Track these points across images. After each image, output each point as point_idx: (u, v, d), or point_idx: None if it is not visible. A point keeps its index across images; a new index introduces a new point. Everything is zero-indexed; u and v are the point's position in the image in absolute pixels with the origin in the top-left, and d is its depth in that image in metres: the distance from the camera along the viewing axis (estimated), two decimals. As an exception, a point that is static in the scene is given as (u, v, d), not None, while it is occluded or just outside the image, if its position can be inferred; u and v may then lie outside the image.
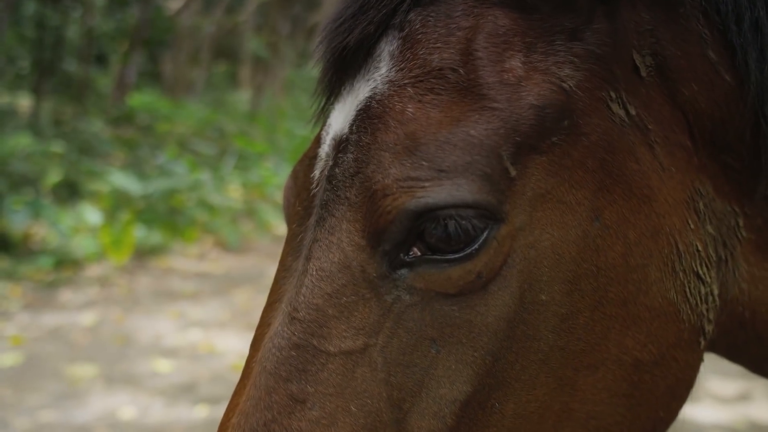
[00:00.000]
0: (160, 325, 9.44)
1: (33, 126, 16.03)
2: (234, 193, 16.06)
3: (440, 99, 1.26)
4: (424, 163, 1.21)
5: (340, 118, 1.36)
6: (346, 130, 1.32)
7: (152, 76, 27.44)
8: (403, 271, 1.23)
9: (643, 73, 1.33)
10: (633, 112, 1.31)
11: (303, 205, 1.39)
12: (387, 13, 1.35)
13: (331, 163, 1.32)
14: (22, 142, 13.36)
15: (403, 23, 1.34)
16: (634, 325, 1.31)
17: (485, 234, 1.22)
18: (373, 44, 1.36)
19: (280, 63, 29.11)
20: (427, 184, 1.21)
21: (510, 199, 1.23)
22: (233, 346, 8.60)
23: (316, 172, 1.37)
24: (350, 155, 1.28)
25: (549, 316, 1.25)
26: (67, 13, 20.32)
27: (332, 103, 1.42)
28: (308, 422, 1.21)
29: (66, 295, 10.42)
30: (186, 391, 7.52)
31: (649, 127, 1.32)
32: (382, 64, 1.33)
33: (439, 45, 1.30)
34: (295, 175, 1.50)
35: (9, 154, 12.82)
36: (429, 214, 1.21)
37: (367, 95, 1.32)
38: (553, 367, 1.26)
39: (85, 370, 7.84)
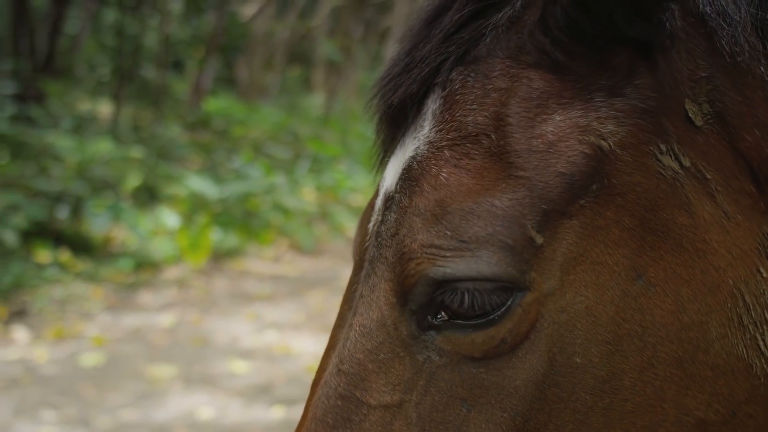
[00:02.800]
0: (237, 327, 9.56)
1: (113, 132, 16.39)
2: (308, 196, 16.18)
3: (474, 164, 1.26)
4: (448, 232, 1.23)
5: (391, 174, 1.37)
6: (393, 187, 1.34)
7: (227, 82, 27.81)
8: (432, 333, 1.26)
9: (699, 122, 1.27)
10: (687, 163, 1.26)
11: (360, 256, 1.43)
12: (431, 71, 1.35)
13: (379, 219, 1.35)
14: (102, 147, 13.66)
15: (445, 82, 1.34)
16: (695, 385, 1.25)
17: (508, 302, 1.22)
18: (419, 102, 1.36)
19: (353, 66, 29.24)
20: (448, 253, 1.22)
21: (537, 266, 1.22)
22: (308, 348, 8.66)
23: (370, 225, 1.39)
24: (393, 215, 1.31)
25: (586, 378, 1.22)
26: (145, 22, 20.74)
27: (388, 157, 1.45)
28: None
29: (145, 296, 10.62)
30: (262, 392, 7.59)
31: (708, 176, 1.27)
32: (426, 123, 1.34)
33: (475, 107, 1.30)
34: (360, 222, 1.52)
35: (90, 159, 13.12)
36: (448, 284, 1.22)
37: (410, 154, 1.33)
38: (596, 427, 1.23)
39: (164, 371, 7.98)
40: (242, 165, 15.84)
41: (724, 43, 1.28)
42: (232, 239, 13.07)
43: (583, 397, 1.22)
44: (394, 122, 1.41)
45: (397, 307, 1.27)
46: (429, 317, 1.25)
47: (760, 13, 1.29)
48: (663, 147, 1.26)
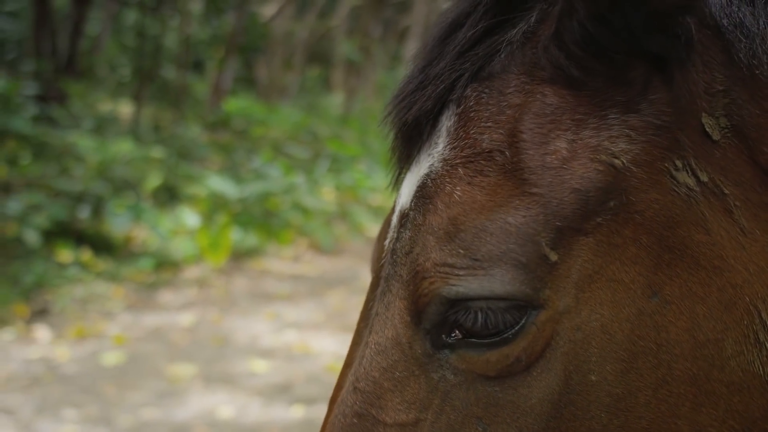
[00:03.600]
0: (257, 326, 9.59)
1: (134, 132, 16.48)
2: (327, 195, 16.20)
3: (488, 181, 1.25)
4: (461, 250, 1.22)
5: (407, 191, 1.36)
6: (408, 205, 1.33)
7: (247, 82, 27.91)
8: (446, 352, 1.25)
9: (716, 137, 1.25)
10: (705, 178, 1.24)
11: (376, 273, 1.43)
12: (445, 88, 1.34)
13: (395, 236, 1.34)
14: (123, 147, 13.74)
15: (460, 99, 1.33)
16: (709, 402, 1.23)
17: (522, 320, 1.21)
18: (434, 119, 1.35)
19: (372, 66, 29.26)
20: (461, 272, 1.21)
21: (551, 284, 1.21)
22: (328, 347, 8.68)
23: (386, 242, 1.39)
24: (408, 233, 1.30)
25: (602, 396, 1.21)
26: (166, 22, 20.84)
27: (404, 174, 1.43)
28: None
29: (166, 296, 10.68)
30: (282, 391, 7.61)
31: (726, 191, 1.24)
32: (440, 140, 1.33)
33: (489, 124, 1.28)
34: (378, 238, 1.52)
35: (111, 159, 13.21)
36: (461, 303, 1.21)
37: (425, 172, 1.32)
38: None
39: (184, 370, 8.02)
40: (262, 165, 15.88)
41: (741, 55, 1.26)
42: (251, 239, 13.11)
43: (598, 416, 1.21)
44: (410, 139, 1.40)
45: (411, 325, 1.27)
46: (443, 336, 1.24)
47: None
48: (679, 163, 1.24)
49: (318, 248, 13.74)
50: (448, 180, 1.27)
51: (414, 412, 1.25)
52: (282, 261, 12.95)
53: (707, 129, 1.25)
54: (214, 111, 21.25)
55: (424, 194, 1.30)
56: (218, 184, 13.91)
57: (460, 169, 1.27)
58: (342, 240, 14.47)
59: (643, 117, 1.24)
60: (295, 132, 21.09)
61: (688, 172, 1.24)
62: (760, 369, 1.24)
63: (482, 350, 1.22)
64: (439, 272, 1.22)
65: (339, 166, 18.09)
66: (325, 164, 17.80)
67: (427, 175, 1.31)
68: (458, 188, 1.26)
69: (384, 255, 1.37)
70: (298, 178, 15.54)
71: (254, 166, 15.97)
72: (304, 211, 14.57)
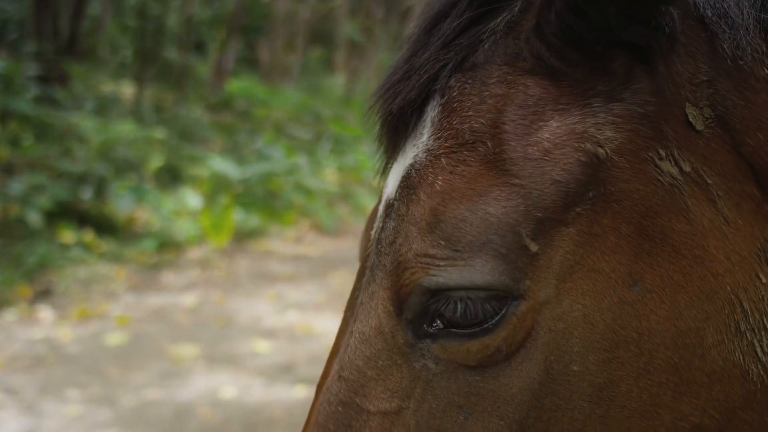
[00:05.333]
0: (259, 307, 9.62)
1: (136, 113, 16.48)
2: (330, 176, 16.21)
3: (469, 171, 1.24)
4: (441, 241, 1.22)
5: (393, 181, 1.36)
6: (393, 195, 1.33)
7: (249, 63, 27.85)
8: (428, 341, 1.25)
9: (700, 127, 1.25)
10: (687, 168, 1.24)
11: (363, 263, 1.43)
12: (429, 78, 1.33)
13: (380, 226, 1.34)
14: (125, 128, 13.75)
15: (444, 89, 1.32)
16: (690, 391, 1.24)
17: (503, 311, 1.21)
18: (418, 109, 1.35)
19: (375, 47, 29.17)
20: (441, 263, 1.21)
21: (532, 274, 1.21)
22: (330, 328, 8.70)
23: (372, 232, 1.39)
24: (392, 223, 1.30)
25: (583, 386, 1.21)
26: (167, 3, 20.77)
27: (391, 164, 1.43)
28: None
29: (168, 276, 10.70)
30: (285, 371, 7.65)
31: (709, 181, 1.24)
32: (425, 131, 1.32)
33: (471, 114, 1.28)
34: (365, 227, 1.52)
35: (113, 140, 13.22)
36: (441, 293, 1.21)
37: (410, 162, 1.32)
38: None
39: (187, 350, 8.05)
40: (264, 146, 15.89)
41: (725, 46, 1.25)
42: (254, 220, 13.13)
43: (580, 405, 1.21)
44: (396, 130, 1.39)
45: (394, 315, 1.27)
46: (424, 326, 1.25)
47: (762, 15, 1.26)
48: (662, 152, 1.23)
49: (320, 229, 13.76)
50: (431, 170, 1.27)
51: (397, 400, 1.26)
52: (284, 242, 12.97)
53: (691, 119, 1.25)
54: (216, 92, 21.23)
55: (408, 185, 1.30)
56: (220, 165, 13.92)
57: (443, 160, 1.27)
58: (344, 221, 14.48)
59: (627, 106, 1.24)
60: (298, 113, 21.07)
61: (671, 162, 1.23)
62: (741, 358, 1.24)
63: (463, 340, 1.22)
64: (420, 263, 1.23)
65: (341, 147, 18.09)
66: (327, 145, 17.80)
67: (412, 165, 1.31)
68: (440, 178, 1.26)
69: (370, 245, 1.38)
70: (301, 159, 15.55)
71: (256, 147, 15.98)
72: (307, 192, 14.58)
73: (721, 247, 1.24)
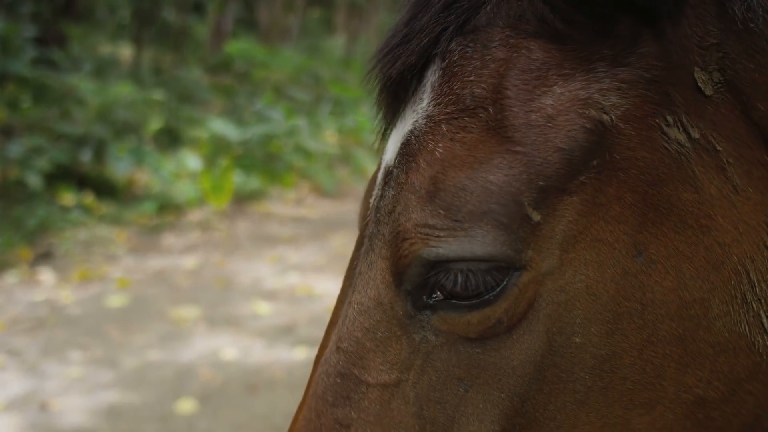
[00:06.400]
0: (260, 269, 9.65)
1: (134, 75, 16.40)
2: (330, 138, 16.18)
3: (470, 138, 1.20)
4: (441, 211, 1.18)
5: (392, 148, 1.32)
6: (392, 162, 1.29)
7: (248, 24, 27.65)
8: (427, 313, 1.23)
9: (709, 92, 1.21)
10: (696, 135, 1.20)
11: (362, 231, 1.40)
12: (430, 41, 1.29)
13: (379, 194, 1.30)
14: (124, 90, 13.69)
15: (444, 53, 1.28)
16: (695, 363, 1.22)
17: (504, 282, 1.18)
18: (418, 74, 1.31)
19: (375, 8, 28.94)
20: (441, 233, 1.18)
21: (534, 245, 1.18)
22: (330, 289, 8.73)
23: (371, 200, 1.35)
24: (391, 191, 1.26)
25: (586, 358, 1.19)
26: (165, -38, 20.59)
27: (390, 130, 1.39)
28: None
29: (169, 239, 10.72)
30: (285, 332, 7.68)
31: (719, 147, 1.20)
32: (425, 96, 1.28)
33: (473, 79, 1.23)
34: (364, 195, 1.48)
35: (112, 102, 13.16)
36: (441, 264, 1.18)
37: (409, 128, 1.27)
38: (596, 407, 1.21)
39: (188, 312, 8.09)
40: (264, 107, 15.83)
41: (735, 8, 1.20)
42: (254, 182, 13.12)
43: (582, 377, 1.20)
44: (395, 95, 1.35)
45: (393, 286, 1.24)
46: (424, 297, 1.22)
47: None
48: (670, 119, 1.19)
49: (320, 191, 13.75)
50: (431, 137, 1.23)
51: (396, 372, 1.24)
52: (284, 204, 12.97)
53: (699, 84, 1.21)
54: (214, 53, 21.10)
55: (407, 152, 1.26)
56: (220, 126, 13.88)
57: (443, 126, 1.23)
58: (344, 183, 14.47)
59: (633, 71, 1.20)
60: (297, 75, 20.97)
61: (679, 128, 1.20)
62: (746, 329, 1.22)
63: (463, 312, 1.20)
64: (420, 233, 1.19)
65: (341, 109, 18.02)
66: (327, 107, 17.74)
67: (411, 131, 1.27)
68: (440, 145, 1.22)
69: (369, 213, 1.34)
70: (300, 121, 15.50)
71: (256, 109, 15.92)
72: (306, 154, 14.56)
73: (728, 216, 1.21)
